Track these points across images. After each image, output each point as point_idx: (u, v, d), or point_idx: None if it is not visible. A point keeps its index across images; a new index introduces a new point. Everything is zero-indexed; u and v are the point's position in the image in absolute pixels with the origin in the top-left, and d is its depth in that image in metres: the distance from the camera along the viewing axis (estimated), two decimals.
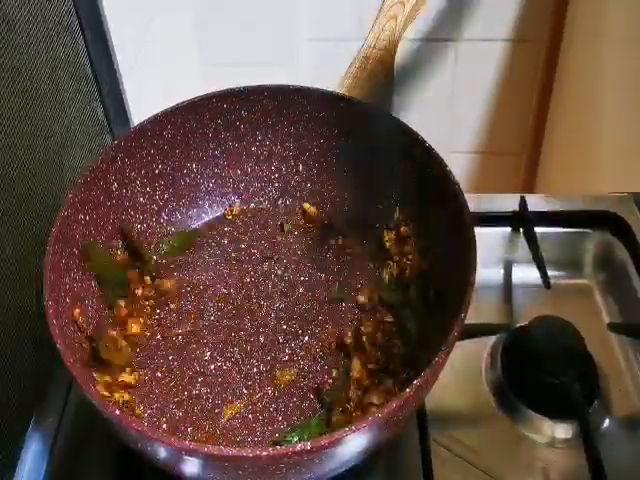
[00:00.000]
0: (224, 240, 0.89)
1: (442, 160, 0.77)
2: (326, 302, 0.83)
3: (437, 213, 0.80)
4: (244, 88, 0.86)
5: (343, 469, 0.64)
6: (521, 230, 0.94)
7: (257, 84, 0.86)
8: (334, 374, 0.77)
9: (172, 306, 0.83)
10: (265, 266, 0.87)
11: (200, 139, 0.87)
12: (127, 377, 0.75)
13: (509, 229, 0.96)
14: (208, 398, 0.75)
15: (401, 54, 0.95)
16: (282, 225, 0.90)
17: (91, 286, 0.77)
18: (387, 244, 0.87)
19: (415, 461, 0.75)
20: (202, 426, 0.73)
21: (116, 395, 0.73)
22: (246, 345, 0.79)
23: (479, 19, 1.44)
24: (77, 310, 0.73)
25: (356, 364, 0.76)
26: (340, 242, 0.89)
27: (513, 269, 0.95)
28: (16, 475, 0.76)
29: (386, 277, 0.85)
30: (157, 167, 0.85)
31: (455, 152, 1.63)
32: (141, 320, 0.81)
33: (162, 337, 0.80)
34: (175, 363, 0.78)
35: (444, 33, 1.45)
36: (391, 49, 0.94)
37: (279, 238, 0.90)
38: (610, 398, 0.81)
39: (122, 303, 0.80)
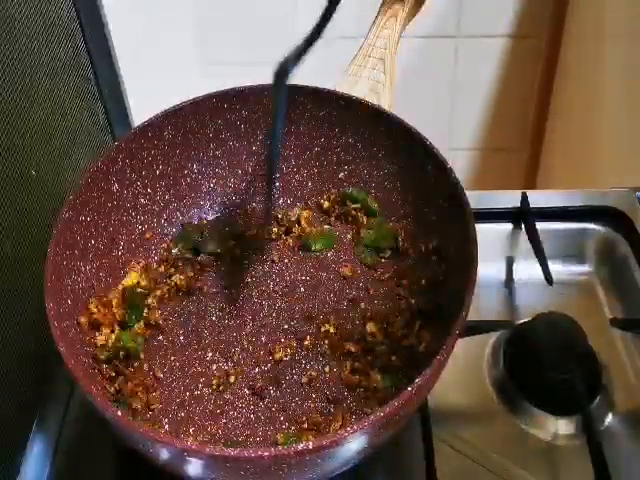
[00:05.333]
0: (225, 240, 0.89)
1: (442, 157, 0.77)
2: (328, 301, 0.83)
3: (438, 210, 0.80)
4: (244, 88, 0.86)
5: (346, 468, 0.64)
6: (523, 226, 0.94)
7: (257, 84, 0.86)
8: (336, 373, 0.77)
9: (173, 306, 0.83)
10: (266, 266, 0.87)
11: (201, 139, 0.87)
12: None
13: (511, 225, 0.96)
14: (210, 399, 0.75)
15: (401, 51, 0.95)
16: (283, 224, 0.90)
17: (92, 287, 0.77)
18: None
19: (418, 458, 0.75)
20: (204, 426, 0.73)
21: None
22: (248, 345, 0.79)
23: (479, 15, 1.44)
24: (83, 318, 0.74)
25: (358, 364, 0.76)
26: None
27: (515, 265, 0.95)
28: (20, 476, 0.76)
29: (386, 275, 0.85)
30: (158, 168, 0.85)
31: (456, 149, 1.63)
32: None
33: (163, 338, 0.80)
34: (177, 364, 0.78)
35: (444, 30, 1.46)
36: (391, 47, 0.94)
37: (280, 237, 0.90)
38: (613, 393, 0.81)
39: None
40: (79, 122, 1.01)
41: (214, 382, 0.76)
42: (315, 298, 0.83)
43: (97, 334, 0.76)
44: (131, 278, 0.83)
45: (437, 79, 1.55)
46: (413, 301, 0.81)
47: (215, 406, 0.75)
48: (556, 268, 0.90)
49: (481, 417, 0.80)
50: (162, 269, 0.85)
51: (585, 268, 0.94)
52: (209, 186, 0.90)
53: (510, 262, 0.95)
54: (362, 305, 0.82)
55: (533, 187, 1.65)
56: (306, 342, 0.79)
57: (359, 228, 0.89)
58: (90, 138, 1.04)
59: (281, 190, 0.92)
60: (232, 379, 0.76)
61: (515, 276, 0.94)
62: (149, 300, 0.82)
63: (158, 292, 0.83)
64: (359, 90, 0.94)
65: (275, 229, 0.90)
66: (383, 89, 0.95)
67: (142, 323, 0.80)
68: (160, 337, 0.80)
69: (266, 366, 0.78)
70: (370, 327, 0.79)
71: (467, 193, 0.73)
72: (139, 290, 0.82)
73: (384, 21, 0.94)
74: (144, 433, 0.57)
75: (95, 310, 0.76)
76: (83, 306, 0.75)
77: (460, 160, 1.66)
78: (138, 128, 0.82)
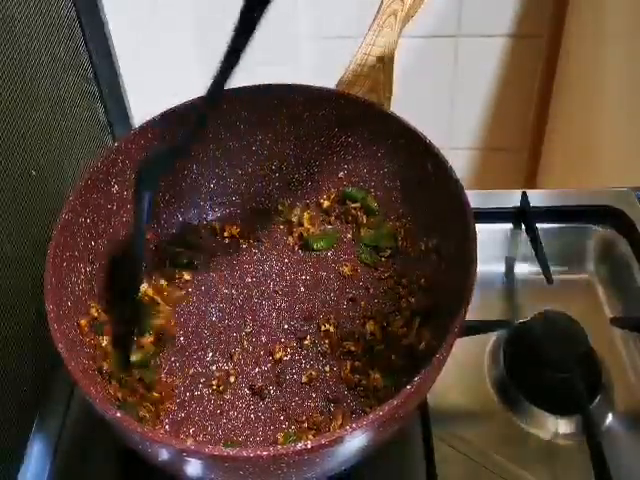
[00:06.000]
0: (225, 240, 0.89)
1: (443, 156, 0.77)
2: (328, 301, 0.83)
3: (438, 210, 0.80)
4: (244, 88, 0.86)
5: (345, 467, 0.64)
6: (523, 226, 0.94)
7: (257, 83, 0.86)
8: (336, 372, 0.77)
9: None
10: (266, 266, 0.87)
11: (200, 139, 0.87)
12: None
13: (511, 225, 0.96)
14: (210, 399, 0.75)
15: (401, 51, 0.95)
16: (283, 224, 0.90)
17: (92, 288, 0.77)
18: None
19: (418, 458, 0.75)
20: (204, 426, 0.73)
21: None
22: (248, 345, 0.79)
23: (479, 15, 1.44)
24: (83, 319, 0.74)
25: (358, 364, 0.76)
26: None
27: (515, 265, 0.95)
28: (20, 476, 0.76)
29: (386, 274, 0.85)
30: None
31: (456, 148, 1.63)
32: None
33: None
34: (177, 364, 0.78)
35: (444, 29, 1.45)
36: (391, 46, 0.94)
37: (280, 237, 0.90)
38: (613, 393, 0.81)
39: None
40: (79, 122, 1.00)
41: (214, 382, 0.76)
42: (315, 298, 0.83)
43: (100, 338, 0.76)
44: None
45: (437, 79, 1.54)
46: (413, 300, 0.81)
47: (215, 406, 0.75)
48: (556, 267, 0.90)
49: (481, 417, 0.80)
50: (162, 270, 0.85)
51: (585, 267, 0.95)
52: (209, 186, 0.90)
53: (510, 262, 0.95)
54: (362, 304, 0.82)
55: (533, 187, 1.65)
56: (306, 342, 0.79)
57: (359, 227, 0.89)
58: (90, 138, 1.04)
59: (281, 190, 0.92)
60: (232, 379, 0.76)
61: (515, 275, 0.94)
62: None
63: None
64: (359, 89, 0.94)
65: (281, 227, 0.91)
66: (383, 88, 0.95)
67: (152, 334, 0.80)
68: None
69: (266, 366, 0.78)
70: (370, 326, 0.79)
71: (467, 193, 0.73)
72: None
73: (383, 21, 0.94)
74: (143, 434, 0.57)
75: (97, 314, 0.77)
76: (83, 308, 0.75)
77: (460, 160, 1.66)
78: (138, 128, 0.82)
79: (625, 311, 0.89)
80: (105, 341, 0.76)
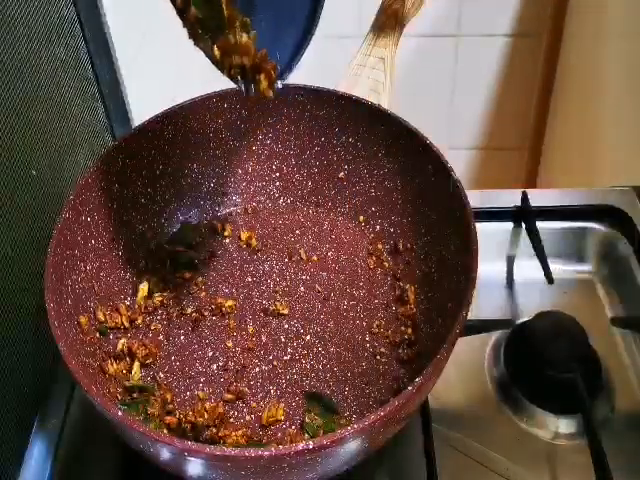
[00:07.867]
0: (225, 240, 0.89)
1: (443, 156, 0.77)
2: (328, 300, 0.83)
3: (438, 209, 0.80)
4: None
5: (346, 467, 0.64)
6: (523, 225, 0.94)
7: None
8: (337, 373, 0.77)
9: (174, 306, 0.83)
10: (267, 265, 0.87)
11: (201, 139, 0.87)
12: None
13: (511, 224, 0.96)
14: (210, 398, 0.75)
15: (401, 51, 0.95)
16: (283, 224, 0.90)
17: (93, 287, 0.77)
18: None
19: (418, 458, 0.75)
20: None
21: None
22: (249, 344, 0.79)
23: (479, 14, 1.44)
24: (83, 318, 0.74)
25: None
26: None
27: (515, 264, 0.95)
28: (20, 476, 0.76)
29: (388, 277, 0.85)
30: (158, 167, 0.85)
31: (456, 148, 1.63)
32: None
33: (165, 337, 0.80)
34: (177, 363, 0.78)
35: (444, 29, 1.46)
36: (391, 46, 0.94)
37: (280, 237, 0.90)
38: (613, 392, 0.81)
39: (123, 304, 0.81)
40: (79, 122, 1.00)
41: (214, 382, 0.76)
42: (314, 298, 0.83)
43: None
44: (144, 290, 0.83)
45: (437, 78, 1.55)
46: (412, 299, 0.81)
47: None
48: (557, 267, 0.90)
49: (481, 416, 0.80)
50: (162, 270, 0.85)
51: (585, 267, 0.94)
52: (209, 186, 0.90)
53: (510, 261, 0.95)
54: (362, 305, 0.82)
55: (533, 186, 1.65)
56: (306, 341, 0.79)
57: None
58: (90, 138, 1.04)
59: (281, 190, 0.92)
60: (232, 379, 0.76)
61: (515, 275, 0.94)
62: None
63: (158, 293, 0.83)
64: (359, 89, 0.94)
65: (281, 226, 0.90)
66: (383, 88, 0.95)
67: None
68: (160, 337, 0.80)
69: (267, 366, 0.78)
70: (377, 322, 0.80)
71: (467, 192, 0.73)
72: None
73: (384, 20, 0.94)
74: (145, 433, 0.57)
75: (103, 318, 0.77)
76: (83, 306, 0.75)
77: (460, 159, 1.66)
78: (138, 128, 0.82)
79: (625, 311, 0.89)
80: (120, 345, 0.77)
